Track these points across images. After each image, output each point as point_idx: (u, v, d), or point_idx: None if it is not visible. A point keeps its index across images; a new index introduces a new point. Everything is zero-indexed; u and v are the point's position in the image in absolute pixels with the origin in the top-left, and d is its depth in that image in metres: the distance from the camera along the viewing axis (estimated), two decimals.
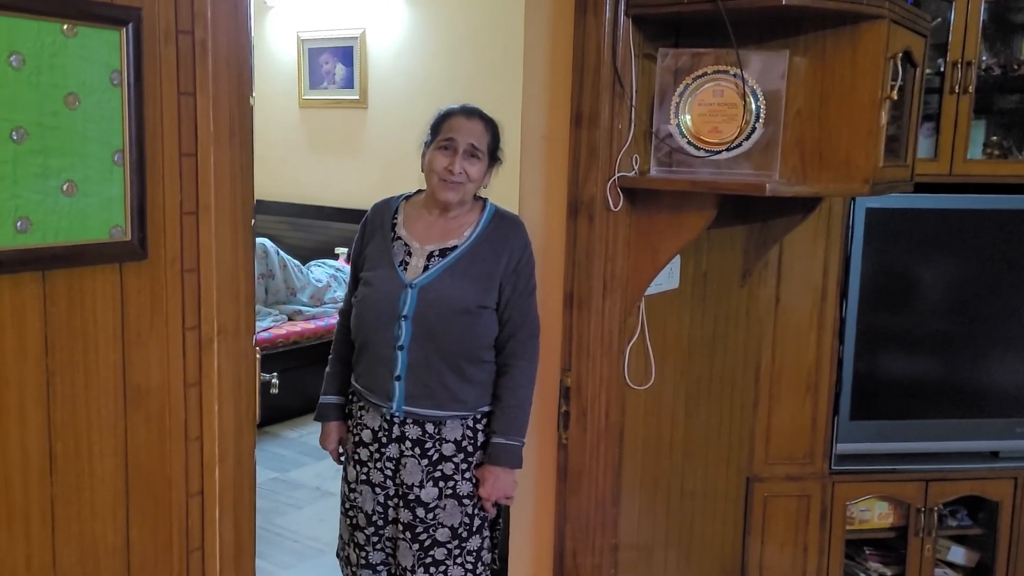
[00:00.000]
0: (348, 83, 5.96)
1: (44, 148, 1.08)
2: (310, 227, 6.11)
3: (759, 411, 2.96)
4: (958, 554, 3.20)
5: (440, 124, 2.24)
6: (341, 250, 5.76)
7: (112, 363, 1.20)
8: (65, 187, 1.11)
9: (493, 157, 2.26)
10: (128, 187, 1.17)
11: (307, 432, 4.71)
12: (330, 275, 5.65)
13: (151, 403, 1.25)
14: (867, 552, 3.20)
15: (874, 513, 3.12)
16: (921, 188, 2.88)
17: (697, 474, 2.76)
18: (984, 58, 3.05)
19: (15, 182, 1.06)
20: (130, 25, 1.14)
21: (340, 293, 5.43)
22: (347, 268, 5.61)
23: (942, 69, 2.91)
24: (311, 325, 5.17)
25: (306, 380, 4.15)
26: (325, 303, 5.46)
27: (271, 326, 4.98)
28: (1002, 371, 3.06)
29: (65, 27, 1.08)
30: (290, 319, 5.22)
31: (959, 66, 2.85)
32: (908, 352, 3.03)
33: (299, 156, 6.25)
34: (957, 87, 2.85)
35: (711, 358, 2.74)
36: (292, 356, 4.85)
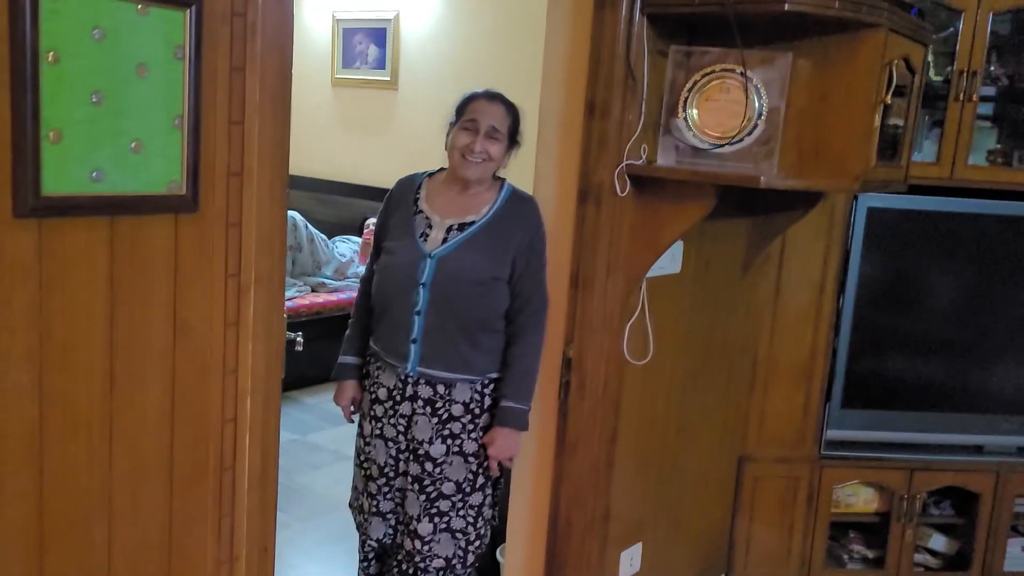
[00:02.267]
0: (380, 64, 6.12)
1: (117, 110, 1.26)
2: (337, 203, 6.28)
3: (754, 395, 3.12)
4: (939, 542, 3.34)
5: (464, 106, 2.40)
6: (370, 221, 5.90)
7: (165, 300, 1.38)
8: (133, 145, 1.29)
9: (512, 140, 2.42)
10: (185, 148, 1.34)
11: (326, 399, 4.88)
12: (354, 251, 5.83)
13: (195, 338, 1.43)
14: (851, 535, 3.35)
15: (859, 498, 3.27)
16: (924, 191, 3.02)
17: (690, 452, 2.92)
18: (993, 68, 3.18)
19: (92, 138, 1.23)
20: (193, 7, 1.31)
21: (362, 269, 5.61)
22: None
23: (950, 77, 3.03)
24: (333, 297, 5.36)
25: (326, 349, 4.32)
26: (348, 277, 5.65)
27: (295, 296, 5.18)
28: (990, 369, 3.20)
29: (139, 7, 1.25)
30: (313, 290, 5.41)
31: (965, 75, 2.97)
32: (900, 346, 3.17)
33: (330, 133, 6.43)
34: (962, 95, 2.97)
35: (709, 342, 2.89)
36: (314, 325, 5.04)
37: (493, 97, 2.40)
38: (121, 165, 1.28)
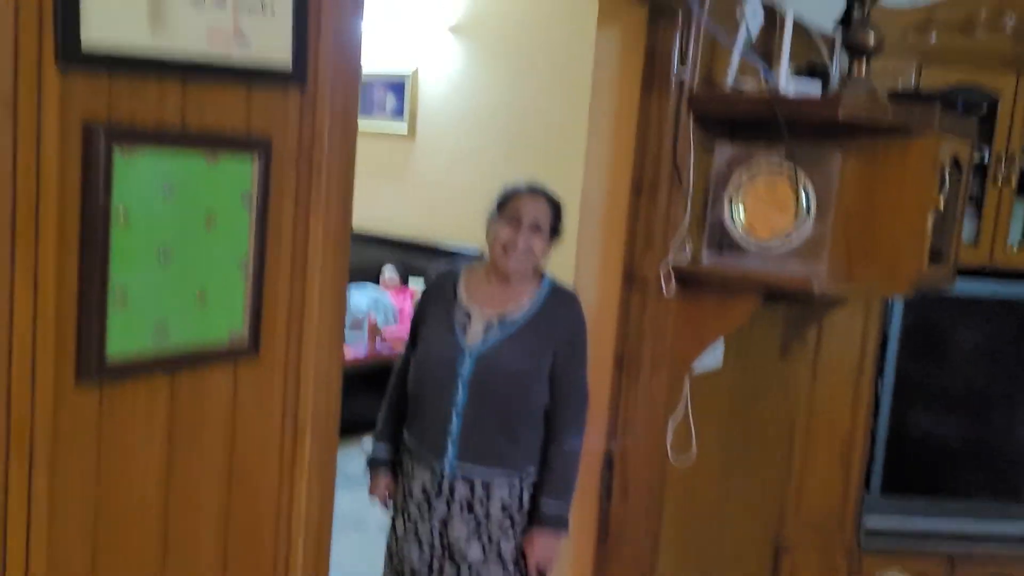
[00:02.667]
0: (398, 114, 6.11)
1: (184, 264, 1.21)
2: (353, 253, 6.23)
3: (791, 481, 3.06)
4: None
5: (506, 201, 2.36)
6: (386, 267, 5.85)
7: (222, 451, 1.33)
8: (197, 295, 1.24)
9: (554, 232, 2.38)
10: (248, 294, 1.30)
11: (344, 456, 4.83)
12: (373, 298, 5.78)
13: (250, 484, 1.38)
14: None
15: None
16: (961, 271, 2.98)
17: (729, 543, 2.85)
18: None
19: (158, 295, 1.19)
20: (261, 152, 1.28)
21: (378, 318, 5.55)
22: (386, 296, 5.76)
23: (987, 159, 3.00)
24: (349, 353, 5.29)
25: (345, 405, 4.29)
26: (363, 330, 5.59)
27: None
28: None
29: (208, 157, 1.22)
30: None
31: (1003, 158, 2.94)
32: (942, 431, 3.11)
33: None
34: (1000, 178, 2.94)
35: (747, 429, 2.84)
36: None
37: (536, 192, 2.36)
38: (185, 318, 1.24)
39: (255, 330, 1.33)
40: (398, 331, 5.46)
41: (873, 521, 3.06)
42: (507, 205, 2.36)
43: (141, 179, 1.14)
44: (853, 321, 2.99)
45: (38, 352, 1.09)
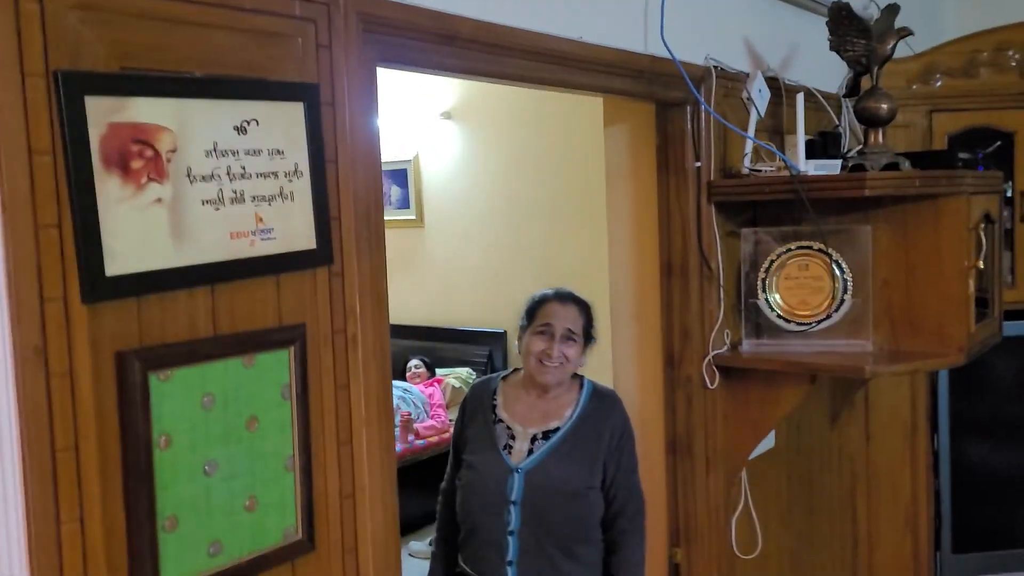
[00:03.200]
0: (404, 203, 6.13)
1: (231, 474, 1.16)
2: None
3: (860, 550, 2.95)
4: None
5: (536, 309, 2.31)
6: (412, 363, 5.81)
7: None
8: (247, 503, 1.19)
9: (588, 337, 2.32)
10: (297, 489, 1.25)
11: None
12: (399, 396, 5.72)
13: None
14: None
15: None
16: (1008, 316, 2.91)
17: None
18: None
19: (208, 512, 1.14)
20: (297, 340, 1.24)
21: (410, 412, 5.48)
22: (415, 389, 5.70)
23: (1009, 195, 2.95)
24: None
25: None
26: (396, 428, 5.52)
27: None
28: None
29: (245, 360, 1.17)
30: None
31: None
32: (1008, 481, 3.01)
33: None
34: None
35: (811, 507, 2.75)
36: None
37: (565, 299, 2.30)
38: (237, 530, 1.18)
39: (308, 524, 1.27)
40: (431, 424, 5.40)
41: None
42: (537, 314, 2.30)
43: (179, 398, 1.10)
44: (900, 379, 2.91)
45: None
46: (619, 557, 2.27)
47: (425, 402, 5.55)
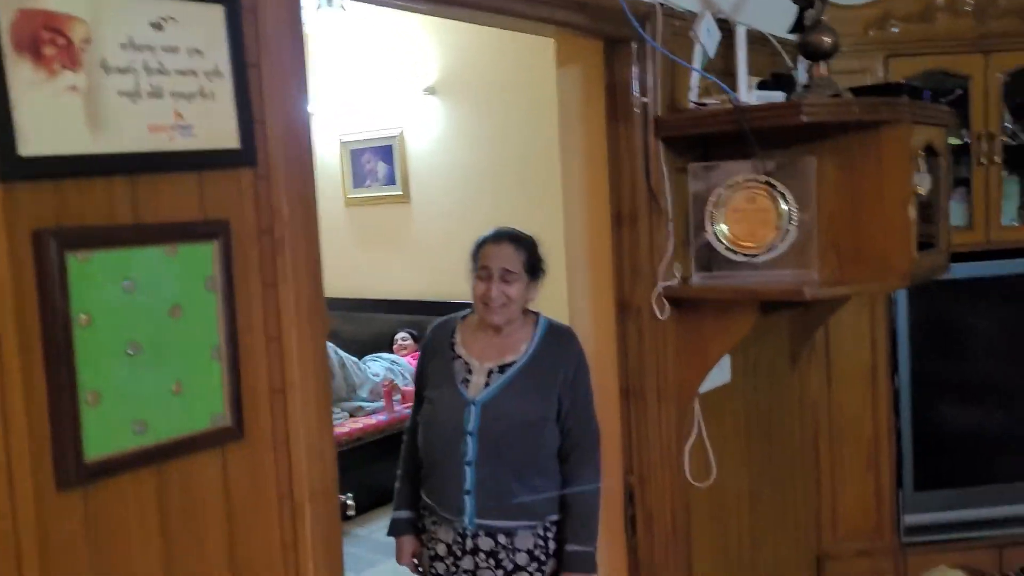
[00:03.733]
0: (390, 180, 6.17)
1: (155, 357, 1.22)
2: (363, 320, 6.27)
3: (823, 491, 3.01)
4: None
5: (476, 253, 2.35)
6: (399, 335, 5.87)
7: (220, 537, 1.32)
8: (173, 387, 1.25)
9: (534, 272, 2.36)
10: (225, 377, 1.31)
11: (377, 528, 4.80)
12: (386, 368, 5.79)
13: (254, 568, 1.36)
14: None
15: None
16: (960, 255, 2.95)
17: (767, 561, 2.80)
18: (1008, 124, 3.14)
19: (132, 391, 1.20)
20: (220, 235, 1.29)
21: (398, 383, 5.56)
22: (403, 361, 5.77)
23: (967, 139, 2.99)
24: (372, 420, 5.29)
25: (372, 475, 4.26)
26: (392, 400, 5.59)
27: (334, 425, 5.11)
28: None
29: (167, 250, 1.23)
30: (352, 415, 5.35)
31: (982, 137, 2.92)
32: (967, 418, 3.06)
33: (348, 252, 6.45)
34: (983, 158, 2.92)
35: (770, 443, 2.80)
36: (356, 453, 4.96)
37: (500, 238, 2.33)
38: (163, 411, 1.24)
39: (237, 412, 1.33)
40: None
41: (912, 519, 3.00)
42: (477, 257, 2.35)
43: (98, 280, 1.16)
44: (860, 320, 2.96)
45: (13, 464, 1.09)
46: (574, 487, 2.33)
47: (412, 373, 5.61)
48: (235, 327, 1.32)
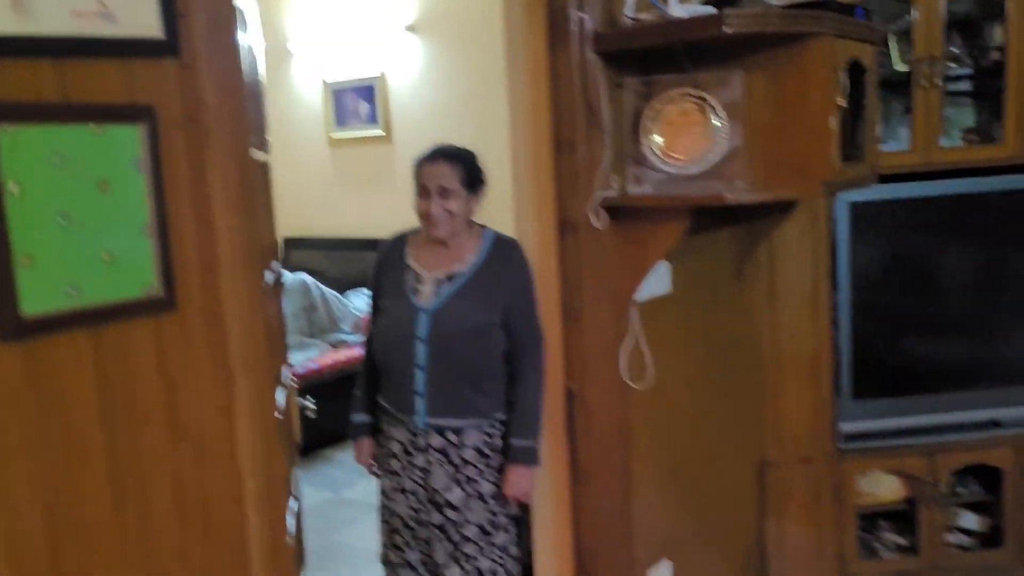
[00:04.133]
0: (372, 119, 6.24)
1: (85, 227, 1.35)
2: (347, 259, 6.39)
3: (766, 400, 3.15)
4: (971, 520, 3.33)
5: (415, 172, 2.48)
6: None
7: (158, 401, 1.46)
8: (104, 257, 1.38)
9: (473, 186, 2.47)
10: (155, 253, 1.43)
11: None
12: (368, 303, 5.93)
13: (193, 431, 1.51)
14: (882, 524, 3.35)
15: (885, 487, 3.27)
16: (904, 178, 3.06)
17: (710, 465, 2.95)
18: (957, 49, 3.22)
19: (65, 257, 1.33)
20: (146, 120, 1.41)
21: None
22: None
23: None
24: (354, 352, 5.44)
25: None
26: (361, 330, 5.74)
27: (317, 356, 5.27)
28: (996, 342, 3.21)
29: (94, 127, 1.35)
30: (334, 347, 5.51)
31: (926, 61, 3.01)
32: (902, 332, 3.19)
33: (332, 192, 6.56)
34: (925, 81, 3.01)
35: (713, 355, 2.93)
36: (337, 383, 5.12)
37: (435, 157, 2.45)
38: (95, 277, 1.37)
39: (169, 286, 1.46)
40: None
41: (849, 427, 3.14)
42: (416, 176, 2.47)
43: (28, 151, 1.28)
44: (802, 238, 3.08)
45: None
46: (519, 387, 2.48)
47: None
48: (164, 207, 1.45)
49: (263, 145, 2.34)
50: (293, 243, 6.58)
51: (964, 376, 3.20)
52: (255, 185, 1.61)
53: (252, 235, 1.58)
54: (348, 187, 6.50)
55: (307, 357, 5.21)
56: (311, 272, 5.97)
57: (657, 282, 2.64)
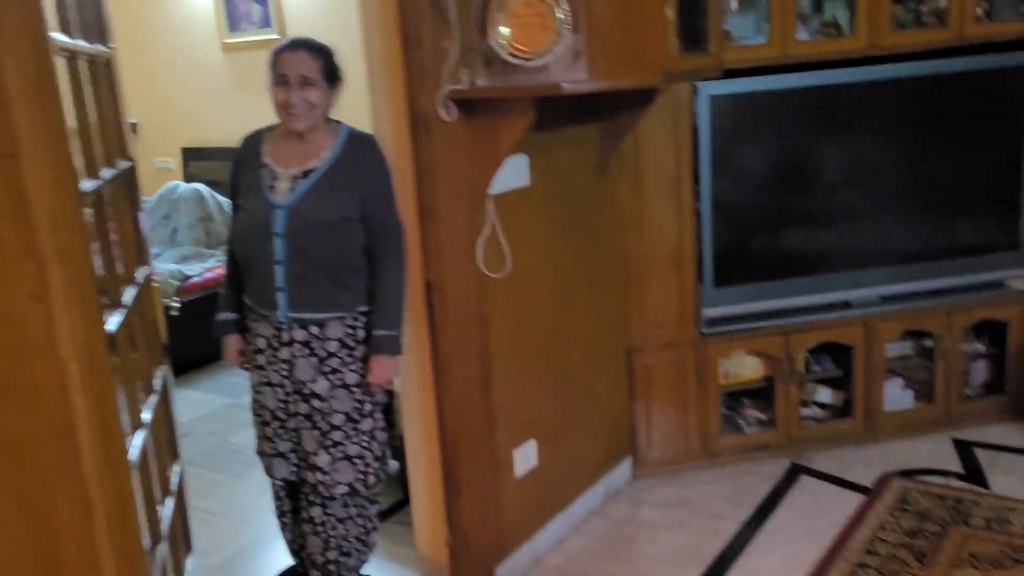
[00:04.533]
0: (266, 23, 6.08)
1: None
2: None
3: (632, 290, 3.28)
4: (825, 395, 3.57)
5: (273, 62, 2.47)
6: None
7: None
8: None
9: (332, 79, 2.48)
10: None
11: None
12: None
13: (7, 320, 1.54)
14: (745, 402, 3.57)
15: (746, 368, 3.47)
16: (762, 71, 3.16)
17: (575, 351, 3.08)
18: None
19: None
20: None
21: None
22: None
23: None
24: None
25: None
26: None
27: (215, 266, 5.25)
28: (847, 229, 3.39)
29: None
30: None
31: None
32: (761, 221, 3.34)
33: (227, 100, 6.41)
34: None
35: (577, 247, 3.04)
36: None
37: (296, 46, 2.45)
38: None
39: None
40: None
41: (711, 312, 3.31)
42: (274, 66, 2.46)
43: None
44: (666, 132, 3.16)
45: None
46: (380, 279, 2.54)
47: None
48: None
49: (103, 39, 2.31)
50: (191, 153, 6.46)
51: (818, 261, 3.38)
52: (50, 71, 1.59)
53: (55, 121, 1.58)
54: (245, 93, 6.36)
55: (204, 267, 5.19)
56: (210, 183, 5.88)
57: (514, 175, 2.71)
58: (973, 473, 3.30)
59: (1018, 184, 3.42)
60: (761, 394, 3.53)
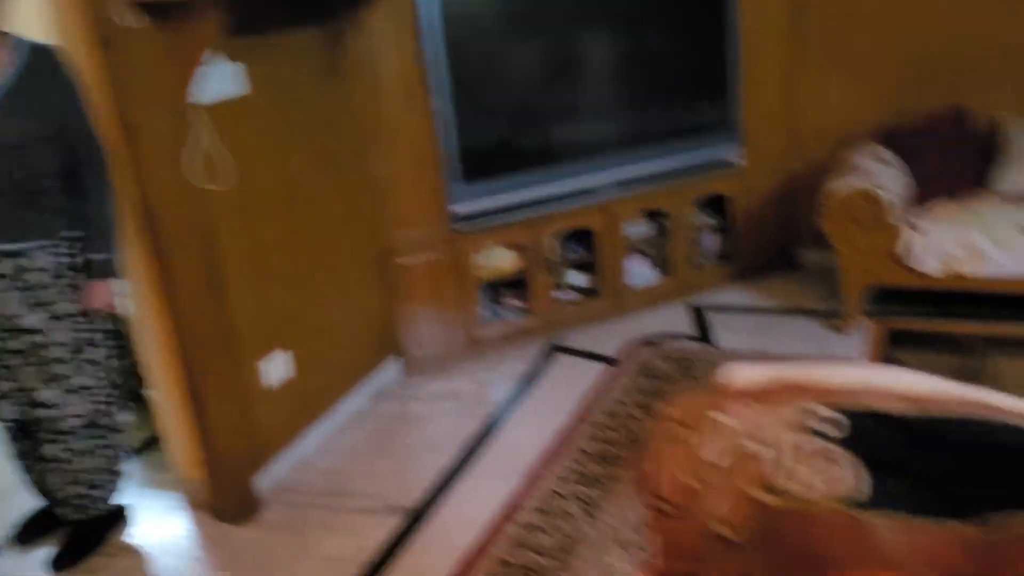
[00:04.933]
0: None
1: None
2: None
3: (382, 194, 3.28)
4: (577, 278, 3.75)
5: None
6: None
7: None
8: None
9: None
10: None
11: None
12: None
13: None
14: (504, 292, 3.69)
15: (503, 260, 3.58)
16: None
17: (324, 260, 3.08)
18: None
19: None
20: None
21: None
22: None
23: None
24: None
25: None
26: None
27: None
28: (582, 120, 3.50)
29: None
30: None
31: None
32: (503, 118, 3.40)
33: None
34: None
35: (315, 154, 2.99)
36: None
37: None
38: None
39: None
40: None
41: (461, 207, 3.36)
42: None
43: None
44: (398, 33, 3.12)
45: None
46: (88, 203, 2.42)
47: None
48: None
49: None
50: None
51: (559, 153, 3.48)
52: None
53: None
54: None
55: None
56: None
57: (226, 82, 2.62)
58: (703, 333, 3.58)
59: (724, 68, 3.62)
60: (520, 284, 3.66)
